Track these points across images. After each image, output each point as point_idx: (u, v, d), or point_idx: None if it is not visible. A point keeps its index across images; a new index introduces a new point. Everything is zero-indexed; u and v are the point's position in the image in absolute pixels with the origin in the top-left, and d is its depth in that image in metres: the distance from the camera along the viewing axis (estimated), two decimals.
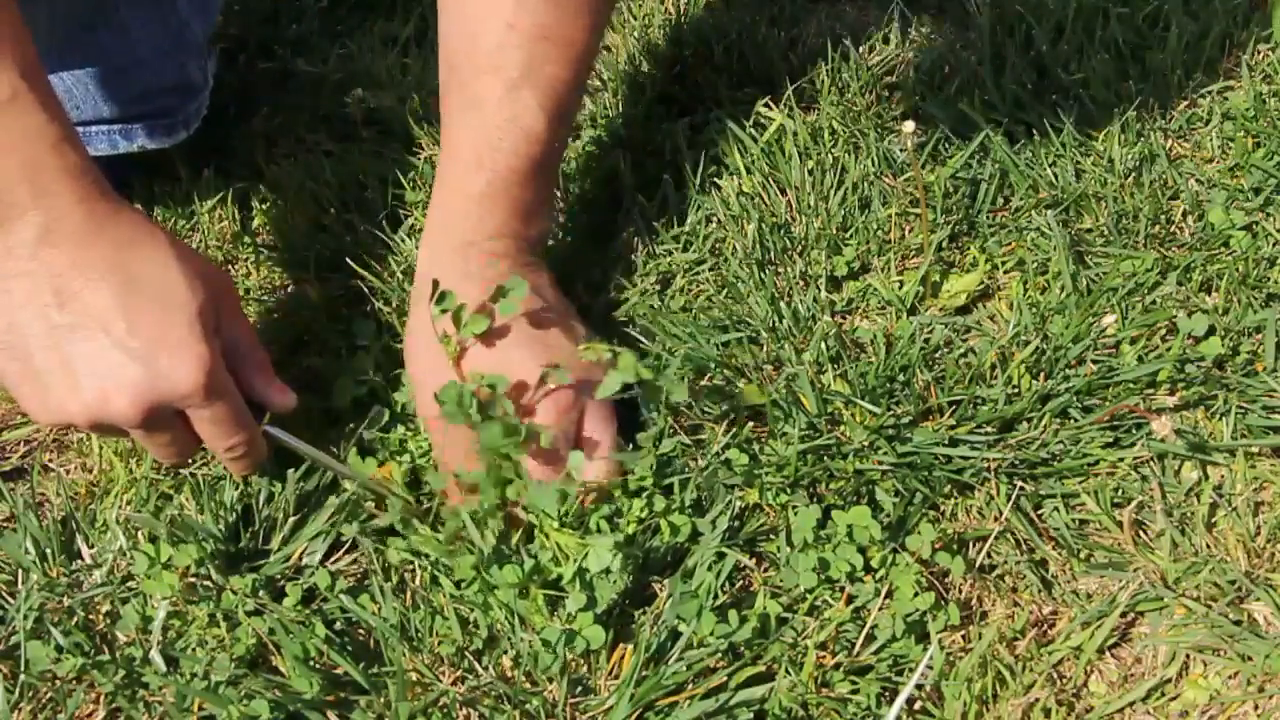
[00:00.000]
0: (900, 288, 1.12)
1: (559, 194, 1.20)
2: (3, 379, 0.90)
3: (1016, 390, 1.02)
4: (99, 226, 0.86)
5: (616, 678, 0.89)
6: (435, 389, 0.94)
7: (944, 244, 1.15)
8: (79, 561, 0.99)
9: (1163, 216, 1.16)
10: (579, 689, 0.89)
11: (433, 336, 0.96)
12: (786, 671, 0.89)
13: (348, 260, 1.18)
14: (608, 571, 0.91)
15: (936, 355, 1.07)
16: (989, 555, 0.97)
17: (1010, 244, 1.16)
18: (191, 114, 1.25)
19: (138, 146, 1.22)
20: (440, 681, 0.90)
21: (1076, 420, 1.02)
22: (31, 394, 0.89)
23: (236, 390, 0.93)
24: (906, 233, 1.16)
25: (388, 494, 0.99)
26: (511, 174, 0.98)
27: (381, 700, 0.88)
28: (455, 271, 0.97)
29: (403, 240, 1.20)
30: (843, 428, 1.00)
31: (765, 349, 1.07)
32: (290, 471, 1.01)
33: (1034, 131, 1.24)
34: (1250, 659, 0.91)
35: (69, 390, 0.87)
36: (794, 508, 0.96)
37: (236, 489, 1.00)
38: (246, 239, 1.23)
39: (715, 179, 1.22)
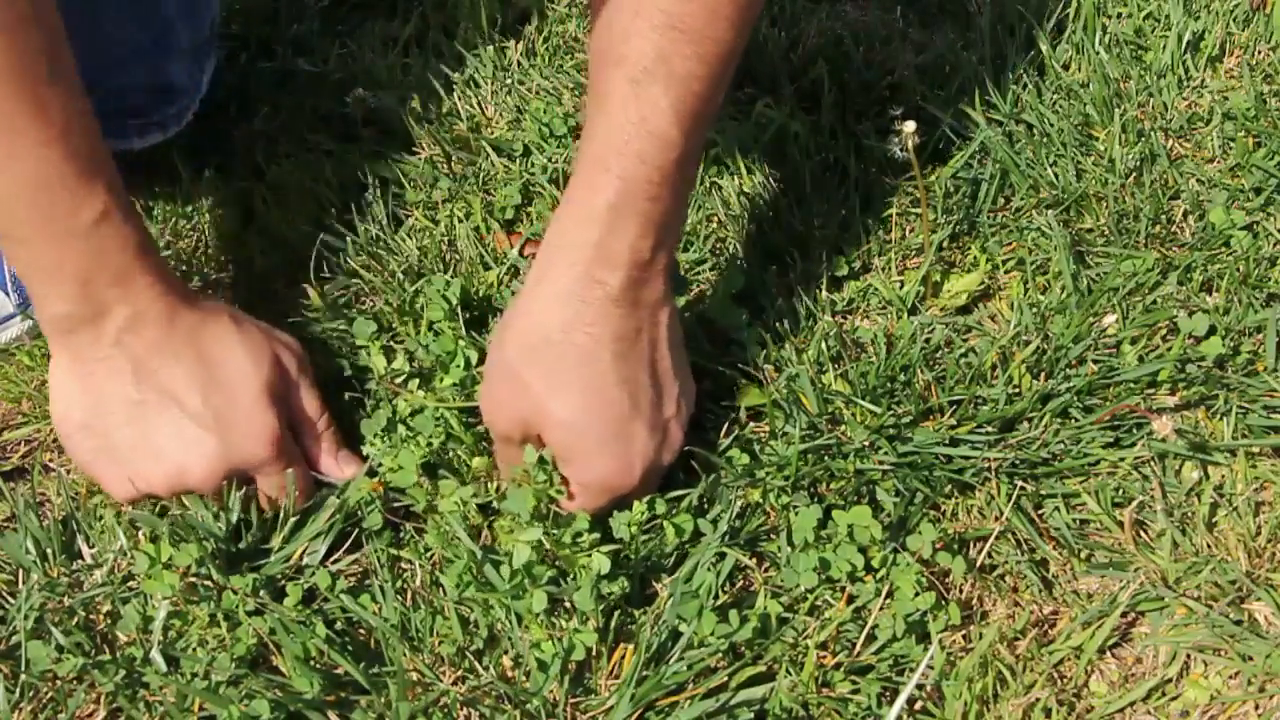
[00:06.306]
0: (901, 287, 1.12)
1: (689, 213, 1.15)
2: (82, 457, 0.96)
3: (1017, 390, 1.02)
4: (174, 314, 0.93)
5: (617, 678, 0.89)
6: (502, 420, 0.95)
7: (944, 244, 1.15)
8: (79, 561, 0.99)
9: (1163, 216, 1.16)
10: (579, 689, 0.89)
11: (514, 355, 0.92)
12: (787, 671, 0.89)
13: (348, 260, 1.18)
14: (527, 569, 0.91)
15: (937, 355, 1.07)
16: (990, 555, 0.97)
17: (1011, 244, 1.16)
18: (170, 117, 1.24)
19: None
20: (441, 681, 0.90)
21: (1077, 420, 1.01)
22: (111, 468, 0.95)
23: (300, 455, 0.99)
24: (907, 233, 1.16)
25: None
26: (640, 184, 0.88)
27: (382, 700, 0.88)
28: (566, 310, 0.91)
29: (403, 240, 1.20)
30: (843, 427, 1.00)
31: (765, 349, 1.07)
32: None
33: (1034, 131, 1.24)
34: (1251, 659, 0.91)
35: (152, 461, 0.94)
36: (795, 507, 0.96)
37: (239, 490, 1.00)
38: (246, 239, 1.23)
39: (715, 179, 1.22)
